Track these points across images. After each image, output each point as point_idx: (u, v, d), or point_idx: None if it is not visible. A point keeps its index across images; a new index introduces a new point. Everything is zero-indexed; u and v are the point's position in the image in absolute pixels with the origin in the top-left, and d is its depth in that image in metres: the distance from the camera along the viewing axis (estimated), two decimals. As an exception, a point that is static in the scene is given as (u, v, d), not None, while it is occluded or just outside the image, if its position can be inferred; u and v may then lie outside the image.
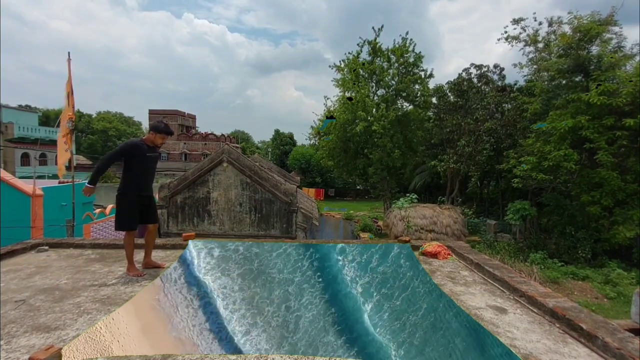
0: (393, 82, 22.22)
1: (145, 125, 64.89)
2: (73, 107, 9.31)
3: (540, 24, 20.64)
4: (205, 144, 53.55)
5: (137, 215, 3.56)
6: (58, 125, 9.48)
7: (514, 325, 2.49)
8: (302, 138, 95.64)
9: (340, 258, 3.33)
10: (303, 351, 2.14)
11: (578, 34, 15.93)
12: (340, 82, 22.86)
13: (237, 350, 2.15)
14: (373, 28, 21.85)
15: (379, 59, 22.32)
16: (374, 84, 22.84)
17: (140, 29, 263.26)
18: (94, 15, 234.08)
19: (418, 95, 22.32)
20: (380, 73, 21.85)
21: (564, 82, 17.26)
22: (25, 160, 30.00)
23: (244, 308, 2.70)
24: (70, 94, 9.16)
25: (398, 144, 21.19)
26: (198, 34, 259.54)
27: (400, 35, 26.65)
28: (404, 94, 22.39)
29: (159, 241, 4.88)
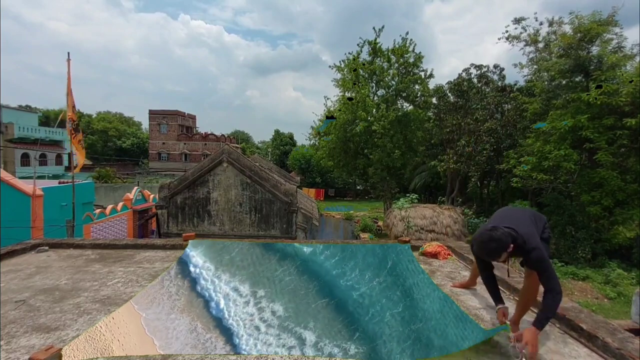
0: (393, 82, 22.25)
1: (145, 125, 64.93)
2: (73, 107, 9.33)
3: (540, 24, 20.69)
4: (206, 144, 53.56)
5: None
6: (59, 126, 9.63)
7: (514, 326, 2.49)
8: (302, 138, 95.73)
9: (340, 259, 3.33)
10: (302, 352, 2.14)
11: (578, 34, 15.93)
12: (340, 82, 22.90)
13: (238, 351, 2.15)
14: (374, 28, 21.90)
15: (379, 59, 22.34)
16: (374, 84, 22.87)
17: (138, 30, 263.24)
18: (91, 16, 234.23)
19: (418, 95, 22.35)
20: (380, 73, 21.87)
21: (564, 82, 17.26)
22: (25, 160, 30.01)
23: (245, 309, 2.70)
24: (69, 94, 9.18)
25: (398, 144, 21.20)
26: (195, 35, 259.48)
27: (400, 35, 26.67)
28: (404, 94, 22.41)
29: (159, 241, 4.87)
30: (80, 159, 10.14)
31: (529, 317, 2.64)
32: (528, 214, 2.54)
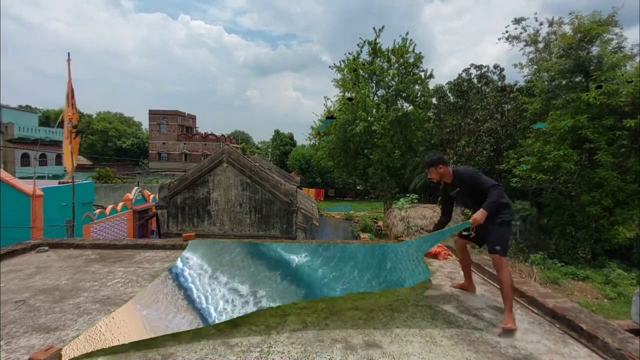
0: (393, 82, 22.25)
1: (145, 125, 64.92)
2: (73, 107, 9.32)
3: (540, 24, 20.69)
4: (206, 144, 53.54)
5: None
6: (59, 126, 9.53)
7: (514, 326, 2.49)
8: (302, 138, 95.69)
9: (338, 260, 3.33)
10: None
11: (578, 35, 15.94)
12: (340, 83, 22.89)
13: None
14: (374, 28, 21.87)
15: (379, 59, 22.34)
16: (374, 85, 22.87)
17: (138, 31, 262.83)
18: (91, 17, 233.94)
19: (418, 95, 22.34)
20: (380, 73, 21.86)
21: (564, 82, 17.28)
22: (25, 160, 30.01)
23: (244, 309, 2.70)
24: (70, 94, 9.17)
25: (398, 144, 21.19)
26: (195, 35, 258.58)
27: (400, 36, 26.70)
28: (404, 95, 22.41)
29: (159, 241, 4.89)
30: (68, 163, 9.25)
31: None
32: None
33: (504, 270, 2.63)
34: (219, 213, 13.70)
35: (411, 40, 21.90)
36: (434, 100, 23.67)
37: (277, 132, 54.74)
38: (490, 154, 21.04)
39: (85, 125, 58.56)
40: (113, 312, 2.54)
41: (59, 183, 13.96)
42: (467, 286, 3.25)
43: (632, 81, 13.69)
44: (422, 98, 22.49)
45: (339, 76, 23.12)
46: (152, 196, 16.99)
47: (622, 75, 14.58)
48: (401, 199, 20.19)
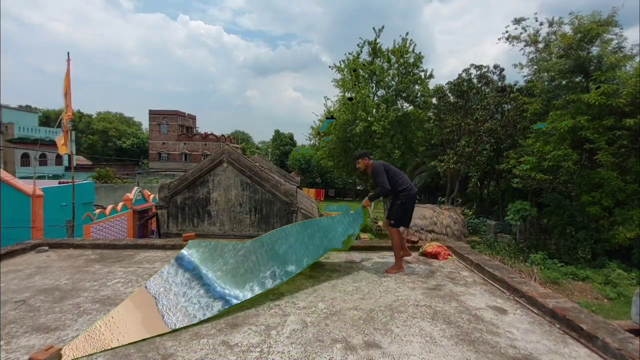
0: (393, 82, 22.23)
1: (145, 125, 64.93)
2: (69, 107, 9.33)
3: (541, 24, 20.66)
4: (206, 144, 53.55)
5: None
6: (59, 126, 9.55)
7: (514, 326, 2.49)
8: (302, 138, 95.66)
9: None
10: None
11: (578, 35, 15.93)
12: (340, 83, 22.86)
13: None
14: (374, 28, 21.84)
15: (379, 59, 22.33)
16: (374, 85, 22.85)
17: (137, 31, 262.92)
18: (91, 17, 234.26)
19: (418, 95, 22.33)
20: (380, 73, 21.85)
21: (564, 82, 17.26)
22: (25, 160, 30.01)
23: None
24: (67, 93, 9.18)
25: (398, 144, 21.18)
26: (195, 35, 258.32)
27: (400, 36, 26.67)
28: (404, 95, 22.40)
29: (158, 241, 4.89)
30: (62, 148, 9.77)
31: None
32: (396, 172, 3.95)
33: (394, 236, 3.73)
34: (219, 213, 13.69)
35: (411, 40, 21.89)
36: (434, 101, 23.61)
37: (277, 132, 54.73)
38: (490, 154, 21.00)
39: (85, 125, 58.57)
40: (112, 311, 2.54)
41: (59, 183, 13.96)
42: (400, 268, 3.67)
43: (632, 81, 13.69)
44: (422, 98, 22.47)
45: (339, 76, 23.10)
46: (152, 196, 16.99)
47: (622, 75, 14.58)
48: (401, 199, 20.13)
